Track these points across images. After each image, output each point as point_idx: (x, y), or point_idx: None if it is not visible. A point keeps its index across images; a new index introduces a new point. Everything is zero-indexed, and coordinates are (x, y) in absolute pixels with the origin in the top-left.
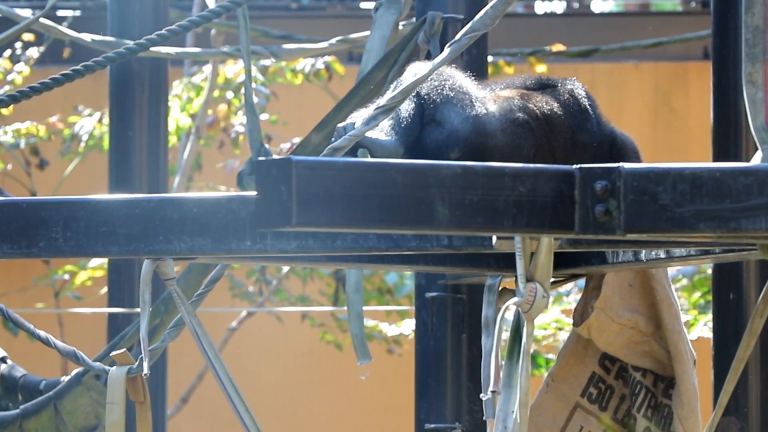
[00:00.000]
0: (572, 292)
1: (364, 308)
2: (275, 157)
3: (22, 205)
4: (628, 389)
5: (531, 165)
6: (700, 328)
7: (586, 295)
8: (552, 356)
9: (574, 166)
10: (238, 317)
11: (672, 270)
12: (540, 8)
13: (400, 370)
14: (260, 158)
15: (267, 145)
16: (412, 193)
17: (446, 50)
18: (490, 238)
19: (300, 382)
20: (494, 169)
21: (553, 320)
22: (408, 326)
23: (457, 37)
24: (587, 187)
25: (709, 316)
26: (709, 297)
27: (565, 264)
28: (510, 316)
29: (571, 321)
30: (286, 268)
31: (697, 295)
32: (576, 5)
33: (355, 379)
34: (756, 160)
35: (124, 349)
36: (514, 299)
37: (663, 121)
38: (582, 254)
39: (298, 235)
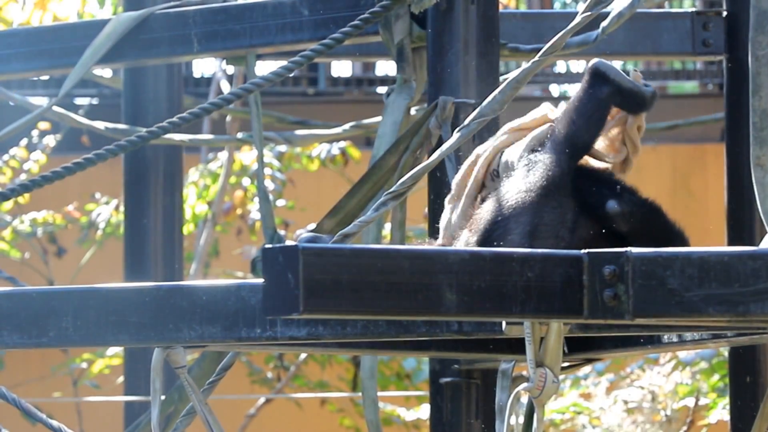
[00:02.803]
0: (590, 376)
1: (383, 393)
2: (285, 244)
3: (32, 295)
4: None
5: (539, 250)
6: (719, 412)
7: None
8: None
9: (582, 251)
10: (256, 404)
11: (690, 353)
12: (556, 91)
13: None
14: (267, 246)
15: (283, 232)
16: (420, 279)
17: (455, 135)
18: (500, 324)
19: None
20: (502, 254)
21: (572, 404)
22: (426, 411)
23: (466, 122)
24: (595, 271)
25: (728, 399)
26: (728, 380)
27: (579, 348)
28: (525, 400)
29: (589, 405)
30: (304, 354)
31: (716, 377)
32: None
33: None
34: (764, 244)
35: None
36: (524, 385)
37: (682, 204)
38: (595, 338)
39: (308, 322)
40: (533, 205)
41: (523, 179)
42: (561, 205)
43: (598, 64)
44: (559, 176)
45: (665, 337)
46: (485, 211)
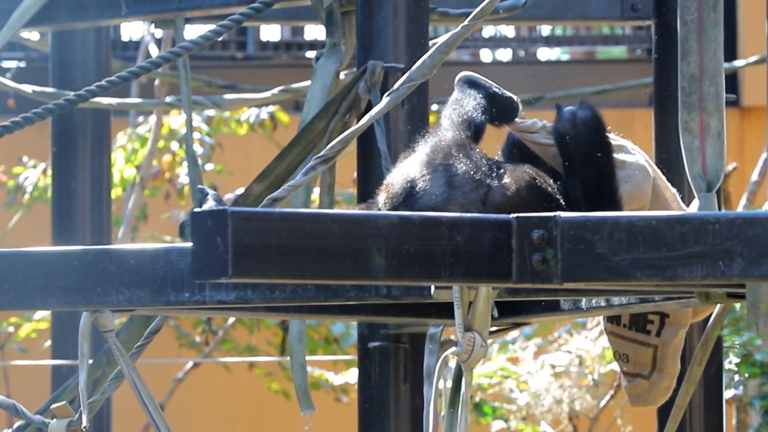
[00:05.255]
0: (518, 340)
1: (311, 358)
2: (213, 208)
3: None
4: None
5: (468, 215)
6: None
7: None
8: (499, 404)
9: (511, 216)
10: (184, 368)
11: None
12: (486, 56)
13: (350, 418)
14: (196, 209)
15: None
16: (349, 243)
17: (384, 100)
18: (429, 288)
19: (248, 431)
20: (431, 218)
21: (499, 368)
22: (354, 375)
23: (396, 86)
24: (524, 236)
25: None
26: None
27: (508, 312)
28: (453, 365)
29: (516, 369)
30: (232, 318)
31: None
32: (522, 53)
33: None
34: (692, 208)
35: (64, 402)
36: (453, 349)
37: None
38: (524, 303)
39: (236, 286)
40: (441, 164)
41: (423, 149)
42: (469, 156)
43: None
44: (457, 136)
45: (593, 301)
46: (396, 179)
